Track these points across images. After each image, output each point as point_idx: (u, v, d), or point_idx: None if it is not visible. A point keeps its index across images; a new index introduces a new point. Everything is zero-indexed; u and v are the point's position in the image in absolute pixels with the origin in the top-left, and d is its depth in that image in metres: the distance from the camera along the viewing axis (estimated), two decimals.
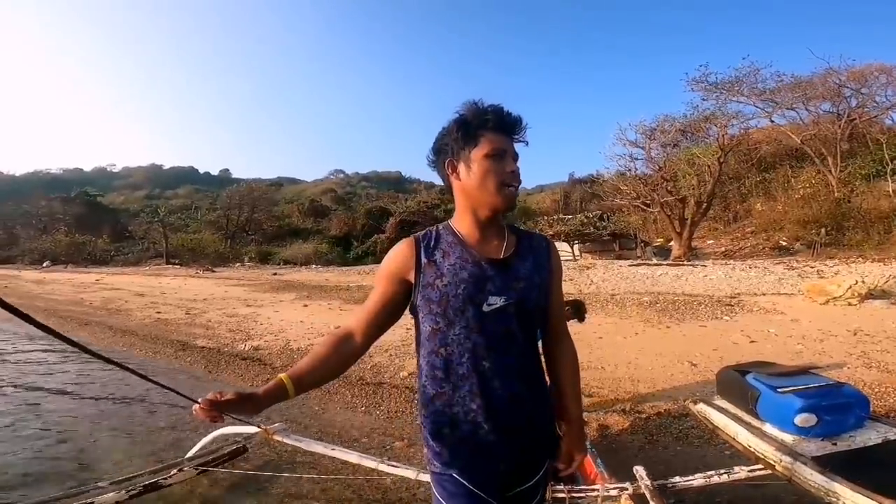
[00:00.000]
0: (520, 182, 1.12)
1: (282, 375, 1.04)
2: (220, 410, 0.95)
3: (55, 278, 19.86)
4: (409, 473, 2.16)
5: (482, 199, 1.09)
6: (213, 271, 21.25)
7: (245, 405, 0.98)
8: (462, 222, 1.13)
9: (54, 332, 0.74)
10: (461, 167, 1.10)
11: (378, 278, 1.15)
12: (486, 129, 1.08)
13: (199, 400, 0.94)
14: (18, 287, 16.22)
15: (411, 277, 1.11)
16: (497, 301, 1.06)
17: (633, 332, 5.80)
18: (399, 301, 1.14)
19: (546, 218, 26.60)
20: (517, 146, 1.14)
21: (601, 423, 3.34)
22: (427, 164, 1.19)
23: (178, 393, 1.08)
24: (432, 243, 1.13)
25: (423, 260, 1.10)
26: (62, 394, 4.59)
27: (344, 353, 1.12)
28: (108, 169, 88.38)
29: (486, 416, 1.07)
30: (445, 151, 1.13)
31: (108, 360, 0.92)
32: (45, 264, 31.88)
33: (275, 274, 18.31)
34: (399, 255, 1.13)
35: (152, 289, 13.74)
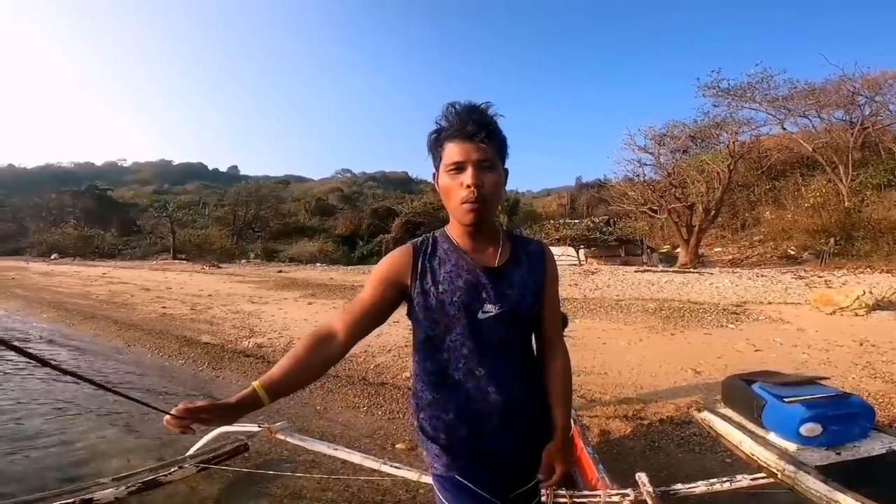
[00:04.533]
0: (479, 196, 1.02)
1: (255, 383, 0.97)
2: (191, 420, 0.91)
3: (63, 271, 20.01)
4: (411, 475, 2.16)
5: (452, 214, 1.09)
6: (219, 267, 21.30)
7: (217, 414, 0.93)
8: (455, 230, 1.13)
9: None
10: (438, 179, 1.10)
11: (372, 281, 1.11)
12: (449, 138, 1.04)
13: (170, 411, 0.91)
14: (26, 279, 16.36)
15: (408, 284, 1.10)
16: (492, 309, 1.06)
17: (637, 338, 5.77)
18: (389, 306, 1.11)
19: (552, 222, 26.54)
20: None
21: (603, 429, 3.33)
22: None
23: (148, 405, 1.07)
24: (429, 250, 1.13)
25: (421, 267, 1.10)
26: (61, 387, 4.60)
27: (324, 355, 1.04)
28: (119, 164, 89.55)
29: (483, 421, 1.08)
30: (432, 160, 1.12)
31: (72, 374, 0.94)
32: (52, 257, 32.17)
33: (280, 271, 18.35)
34: (397, 260, 1.12)
35: (158, 283, 13.81)
